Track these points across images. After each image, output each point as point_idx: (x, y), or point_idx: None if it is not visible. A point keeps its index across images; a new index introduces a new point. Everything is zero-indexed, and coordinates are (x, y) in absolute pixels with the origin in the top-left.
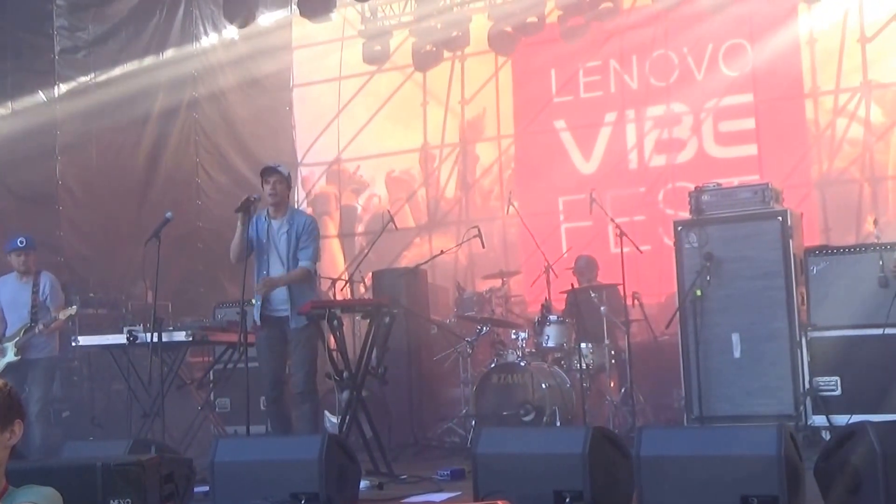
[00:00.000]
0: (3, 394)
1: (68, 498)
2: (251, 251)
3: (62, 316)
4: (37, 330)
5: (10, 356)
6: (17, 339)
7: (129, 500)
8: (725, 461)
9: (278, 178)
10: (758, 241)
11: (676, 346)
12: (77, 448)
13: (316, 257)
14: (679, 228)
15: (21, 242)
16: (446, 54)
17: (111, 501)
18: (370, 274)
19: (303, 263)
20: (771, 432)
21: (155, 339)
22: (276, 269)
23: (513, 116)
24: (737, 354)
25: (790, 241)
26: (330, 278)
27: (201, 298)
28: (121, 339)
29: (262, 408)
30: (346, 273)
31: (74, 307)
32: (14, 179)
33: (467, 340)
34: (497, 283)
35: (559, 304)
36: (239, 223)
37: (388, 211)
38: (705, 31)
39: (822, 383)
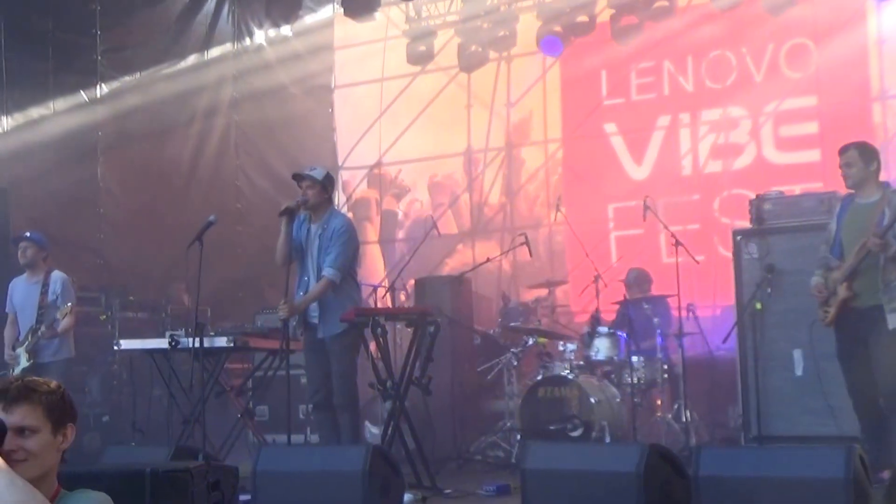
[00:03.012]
0: (56, 396)
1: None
2: (296, 256)
3: (59, 315)
4: (40, 332)
5: (23, 362)
6: (27, 343)
7: None
8: (790, 483)
9: (309, 182)
10: None
11: (733, 361)
12: (119, 453)
13: (345, 265)
14: (738, 238)
15: (26, 234)
16: (492, 55)
17: None
18: (412, 281)
19: (325, 273)
20: (839, 453)
21: (197, 345)
22: (313, 276)
23: (561, 120)
24: (798, 372)
25: None
26: (371, 285)
27: (240, 304)
28: (163, 343)
29: (300, 417)
30: (387, 280)
31: (70, 304)
32: (55, 181)
33: (513, 352)
34: (543, 292)
35: (608, 316)
36: (282, 226)
37: (432, 216)
38: (766, 30)
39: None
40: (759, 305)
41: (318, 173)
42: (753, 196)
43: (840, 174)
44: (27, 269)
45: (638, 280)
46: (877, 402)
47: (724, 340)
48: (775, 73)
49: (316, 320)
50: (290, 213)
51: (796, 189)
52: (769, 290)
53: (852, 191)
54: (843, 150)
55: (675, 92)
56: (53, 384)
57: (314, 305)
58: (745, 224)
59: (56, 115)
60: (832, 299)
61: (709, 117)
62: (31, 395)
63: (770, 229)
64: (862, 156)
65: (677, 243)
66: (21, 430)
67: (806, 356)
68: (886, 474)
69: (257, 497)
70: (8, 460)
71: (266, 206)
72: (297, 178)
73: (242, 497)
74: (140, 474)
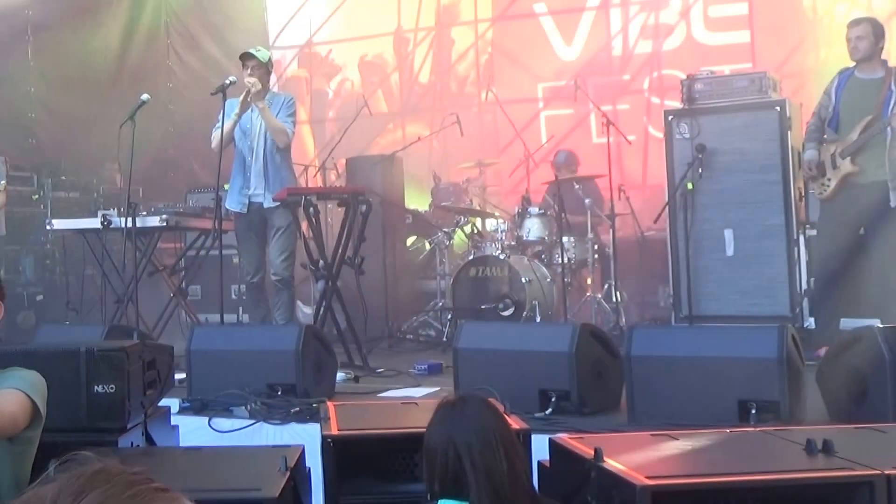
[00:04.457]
0: None
1: (50, 382)
2: (230, 140)
3: None
4: None
5: None
6: None
7: (112, 386)
8: (722, 363)
9: (256, 63)
10: (754, 133)
11: (664, 242)
12: (52, 331)
13: (293, 128)
14: (670, 118)
15: None
16: None
17: (95, 387)
18: (342, 161)
19: (283, 122)
20: (771, 333)
21: (129, 225)
22: (259, 158)
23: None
24: (729, 252)
25: (788, 132)
26: (301, 164)
27: (171, 183)
28: (95, 223)
29: (233, 297)
30: (318, 160)
31: (3, 182)
32: None
33: (444, 231)
34: (474, 172)
35: (538, 197)
36: (238, 108)
37: (363, 95)
38: None
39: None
40: (690, 186)
41: (263, 55)
42: (683, 76)
43: (849, 46)
44: None
45: (567, 161)
46: (836, 279)
47: (655, 220)
48: None
49: (257, 199)
50: (223, 91)
51: (726, 70)
52: (700, 170)
53: (852, 64)
54: (855, 23)
55: None
56: None
57: (258, 182)
58: (676, 104)
59: None
60: (830, 173)
61: None
62: None
63: (701, 109)
64: (874, 30)
65: (608, 123)
66: None
67: (737, 236)
68: (822, 352)
69: (192, 376)
70: None
71: (197, 85)
72: (246, 57)
73: (177, 376)
74: (75, 353)
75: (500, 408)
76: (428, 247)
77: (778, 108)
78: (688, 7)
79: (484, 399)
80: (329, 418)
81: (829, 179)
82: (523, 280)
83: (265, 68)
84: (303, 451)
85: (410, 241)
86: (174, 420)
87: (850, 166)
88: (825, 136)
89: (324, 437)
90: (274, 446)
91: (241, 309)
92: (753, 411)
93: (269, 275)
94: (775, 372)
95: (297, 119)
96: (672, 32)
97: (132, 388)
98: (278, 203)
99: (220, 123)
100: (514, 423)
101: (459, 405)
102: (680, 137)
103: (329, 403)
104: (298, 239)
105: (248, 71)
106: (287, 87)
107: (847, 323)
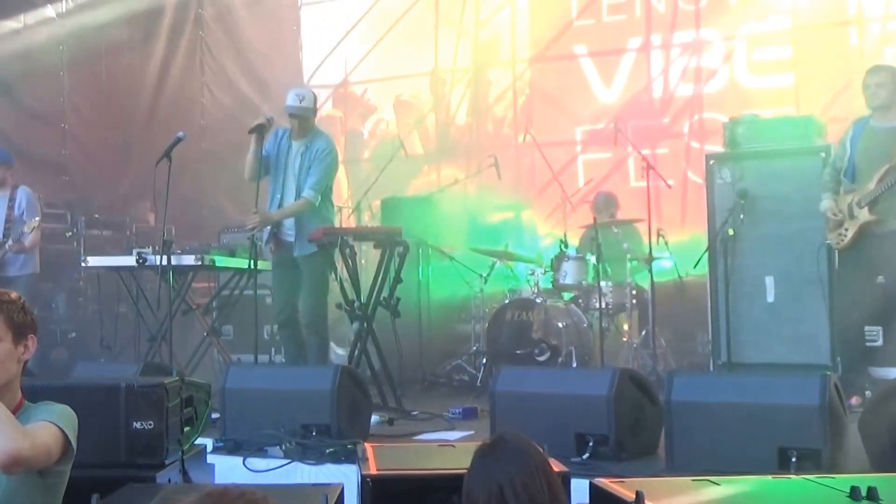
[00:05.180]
0: (17, 307)
1: (89, 418)
2: (267, 172)
3: (26, 230)
4: (7, 246)
5: None
6: None
7: (151, 422)
8: (763, 410)
9: (300, 116)
10: (797, 179)
11: (703, 288)
12: (89, 369)
13: (324, 186)
14: (711, 162)
15: None
16: None
17: (134, 423)
18: (377, 202)
19: (305, 193)
20: (814, 380)
21: (164, 262)
22: (290, 193)
23: (529, 40)
24: (770, 299)
25: None
26: (336, 205)
27: (203, 222)
28: (130, 260)
29: (265, 337)
30: (352, 200)
31: (37, 219)
32: (22, 96)
33: (480, 275)
34: (510, 215)
35: (575, 240)
36: (252, 143)
37: (399, 136)
38: None
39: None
40: (731, 231)
41: (309, 101)
42: (725, 120)
43: (864, 94)
44: None
45: (606, 203)
46: (861, 328)
47: (695, 266)
48: None
49: (290, 238)
50: (260, 131)
51: (769, 113)
52: (742, 215)
53: (869, 113)
54: (875, 70)
55: (647, 13)
56: (14, 295)
57: (290, 223)
58: (717, 148)
59: (26, 29)
60: (848, 222)
61: (681, 39)
62: None
63: (744, 153)
64: (894, 78)
65: (648, 167)
66: None
67: (778, 283)
68: (855, 401)
69: (226, 415)
70: None
71: (230, 123)
72: (292, 113)
73: (212, 416)
74: (115, 389)
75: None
76: (463, 290)
77: (822, 154)
78: (731, 50)
79: (520, 434)
80: (367, 458)
81: (846, 229)
82: (560, 325)
83: (311, 115)
84: (342, 491)
85: (445, 283)
86: (209, 459)
87: (868, 215)
88: (842, 187)
89: (363, 477)
90: (313, 485)
91: (273, 349)
92: (794, 459)
93: (298, 314)
94: (817, 420)
95: (336, 166)
96: (714, 75)
97: (170, 424)
98: (310, 245)
99: (255, 160)
100: (553, 465)
101: (496, 445)
102: (721, 182)
103: (366, 444)
104: (333, 280)
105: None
106: (321, 125)
107: (876, 372)
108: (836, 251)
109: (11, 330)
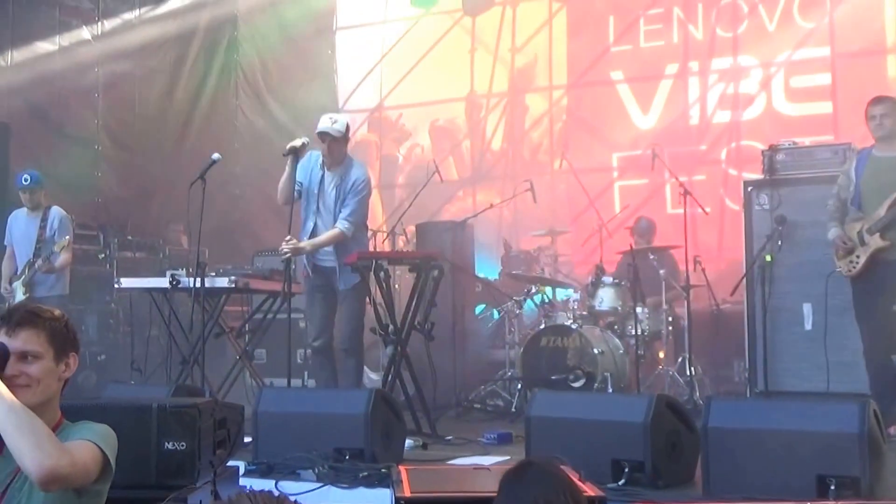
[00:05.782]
0: (60, 325)
1: (120, 438)
2: (299, 196)
3: (57, 249)
4: (36, 266)
5: (20, 296)
6: (24, 276)
7: (183, 443)
8: (802, 437)
9: (331, 140)
10: None
11: (739, 315)
12: (120, 391)
13: (359, 220)
14: (749, 189)
15: (25, 180)
16: None
17: (166, 444)
18: (411, 227)
19: (339, 224)
20: (853, 407)
21: (198, 285)
22: (324, 223)
23: (566, 66)
24: (808, 326)
25: None
26: (370, 229)
27: (237, 246)
28: (163, 282)
29: (298, 361)
30: (386, 225)
31: (67, 238)
32: (56, 118)
33: (515, 300)
34: (545, 241)
35: (611, 266)
36: (287, 166)
37: (434, 161)
38: None
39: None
40: (769, 258)
41: (340, 125)
42: (762, 147)
43: (869, 125)
44: (27, 207)
45: (647, 229)
46: (890, 358)
47: (732, 293)
48: (788, 22)
49: (326, 263)
50: (294, 154)
51: (807, 141)
52: (780, 242)
53: (873, 143)
54: (877, 101)
55: (685, 39)
56: (57, 312)
57: (329, 250)
58: (755, 175)
59: (61, 51)
60: (858, 250)
61: (719, 66)
62: (36, 321)
63: (782, 180)
64: None
65: (686, 193)
66: (24, 356)
67: (816, 310)
68: (894, 430)
69: (258, 438)
70: (10, 385)
71: (264, 147)
72: (322, 136)
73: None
74: (147, 409)
75: (574, 474)
76: (497, 315)
77: None
78: (769, 77)
79: (548, 458)
80: (401, 481)
81: (857, 256)
82: (595, 351)
83: (342, 141)
84: None
85: (480, 308)
86: (241, 481)
87: (879, 241)
88: (848, 216)
89: (396, 499)
90: None
91: (306, 373)
92: (832, 487)
93: (334, 340)
94: (857, 447)
95: (366, 199)
96: (752, 102)
97: (203, 445)
98: (354, 275)
99: (289, 184)
100: (590, 489)
101: (523, 468)
102: (759, 208)
103: (400, 466)
104: (368, 304)
105: (325, 146)
106: (356, 150)
107: None
108: (848, 279)
109: (53, 347)
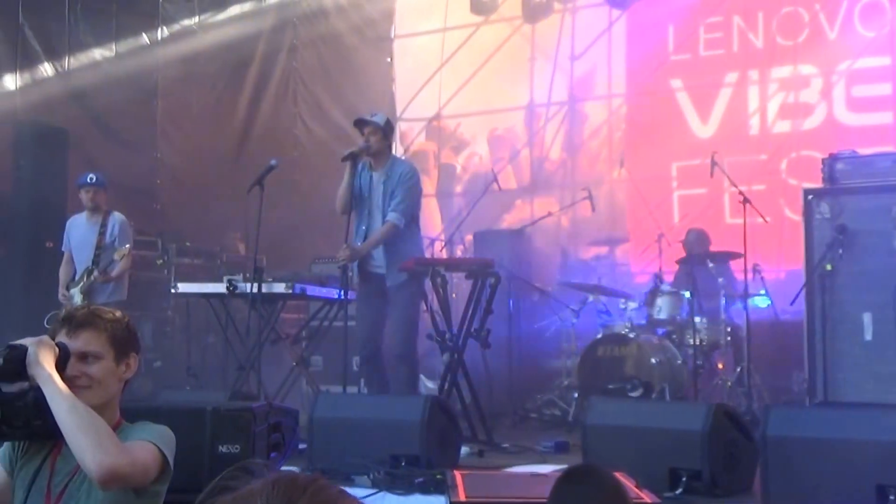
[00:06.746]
0: (121, 325)
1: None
2: (354, 205)
3: (116, 257)
4: (93, 276)
5: (78, 303)
6: (82, 284)
7: (237, 446)
8: (862, 446)
9: (371, 129)
10: None
11: (799, 325)
12: (173, 397)
13: (409, 210)
14: (810, 197)
15: (91, 179)
16: (557, 6)
17: (220, 447)
18: (469, 236)
19: (390, 217)
20: None
21: (255, 290)
22: (376, 223)
23: (625, 75)
24: (868, 337)
25: None
26: (428, 237)
27: (294, 253)
28: (220, 287)
29: (354, 368)
30: (444, 233)
31: (127, 246)
32: (115, 124)
33: (572, 309)
34: (603, 250)
35: (669, 276)
36: (346, 173)
37: (493, 170)
38: None
39: None
40: (829, 267)
41: (380, 118)
42: (822, 157)
43: None
44: (88, 210)
45: (698, 240)
46: None
47: (792, 303)
48: (849, 30)
49: (378, 270)
50: (353, 159)
51: (868, 151)
52: (840, 251)
53: None
54: None
55: (745, 48)
56: (118, 313)
57: (378, 254)
58: (815, 185)
59: (118, 58)
60: None
61: (779, 75)
62: (96, 322)
63: (843, 189)
64: None
65: (745, 201)
66: (84, 356)
67: (876, 320)
68: None
69: (314, 444)
70: (71, 386)
71: (323, 154)
72: (360, 123)
73: (300, 446)
74: (201, 412)
75: (630, 482)
76: (554, 324)
77: None
78: (830, 86)
79: (603, 468)
80: (456, 486)
81: None
82: (653, 361)
83: (382, 132)
84: None
85: (536, 317)
86: None
87: None
88: None
89: None
90: None
91: (362, 381)
92: (892, 497)
93: (383, 348)
94: None
95: (419, 191)
96: (812, 112)
97: (257, 449)
98: (401, 274)
99: (347, 190)
100: (646, 497)
101: (576, 472)
102: (820, 217)
103: (455, 472)
104: (424, 311)
105: (364, 138)
106: (414, 159)
107: None
108: None
109: (114, 348)
